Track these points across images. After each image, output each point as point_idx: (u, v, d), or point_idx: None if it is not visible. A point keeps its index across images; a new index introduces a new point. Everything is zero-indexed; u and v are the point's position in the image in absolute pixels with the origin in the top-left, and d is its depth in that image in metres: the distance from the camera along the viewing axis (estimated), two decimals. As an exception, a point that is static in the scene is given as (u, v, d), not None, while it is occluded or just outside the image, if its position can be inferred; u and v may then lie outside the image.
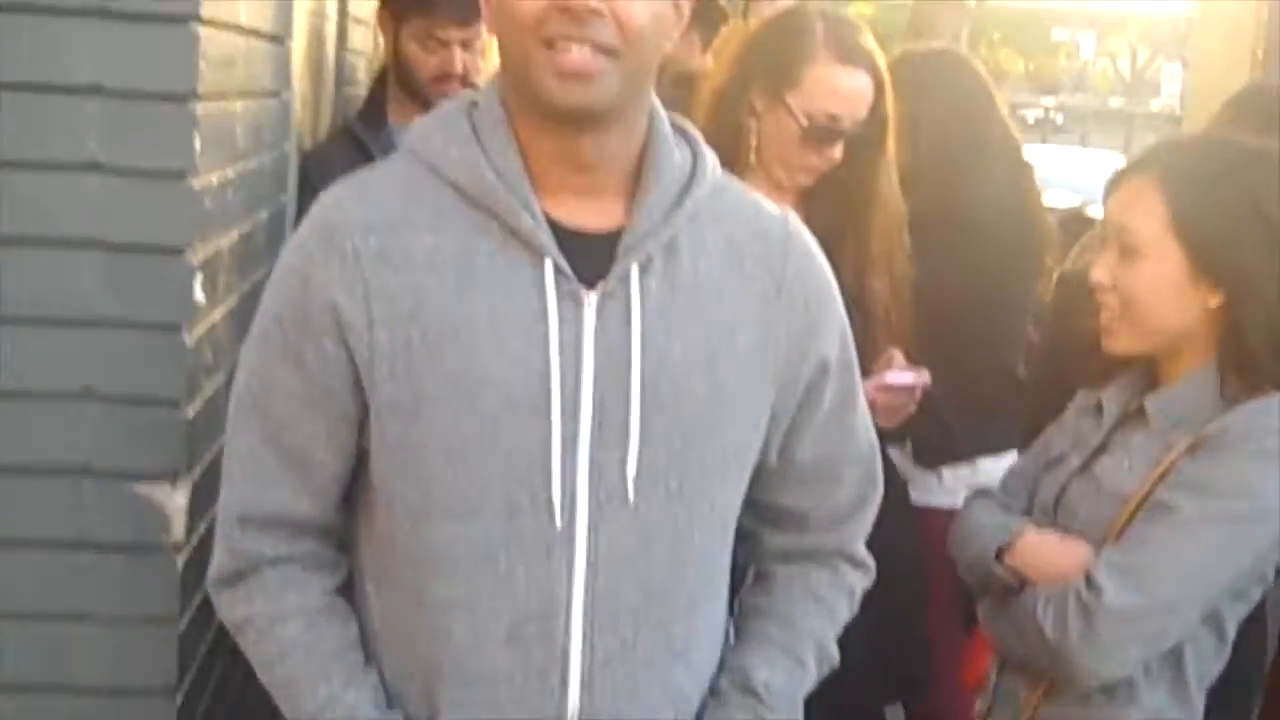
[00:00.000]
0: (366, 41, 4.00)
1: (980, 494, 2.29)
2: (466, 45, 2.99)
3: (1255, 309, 1.93)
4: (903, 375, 2.47)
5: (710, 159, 1.63)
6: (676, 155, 1.59)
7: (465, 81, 2.98)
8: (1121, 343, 2.03)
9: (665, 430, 1.53)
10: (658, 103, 1.60)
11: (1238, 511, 1.89)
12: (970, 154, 3.40)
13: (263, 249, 2.43)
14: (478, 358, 1.49)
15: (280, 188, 2.62)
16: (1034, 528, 2.08)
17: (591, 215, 1.55)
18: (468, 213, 1.52)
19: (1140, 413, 2.03)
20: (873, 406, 2.42)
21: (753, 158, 2.60)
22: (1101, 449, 2.07)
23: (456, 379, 1.49)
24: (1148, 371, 2.08)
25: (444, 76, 2.99)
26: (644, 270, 1.54)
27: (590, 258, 1.52)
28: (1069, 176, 10.40)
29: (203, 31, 1.83)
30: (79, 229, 1.82)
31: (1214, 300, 1.96)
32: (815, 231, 2.61)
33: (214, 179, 1.94)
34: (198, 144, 1.83)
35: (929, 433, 2.96)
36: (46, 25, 1.78)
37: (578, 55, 1.45)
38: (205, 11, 1.84)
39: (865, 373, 2.51)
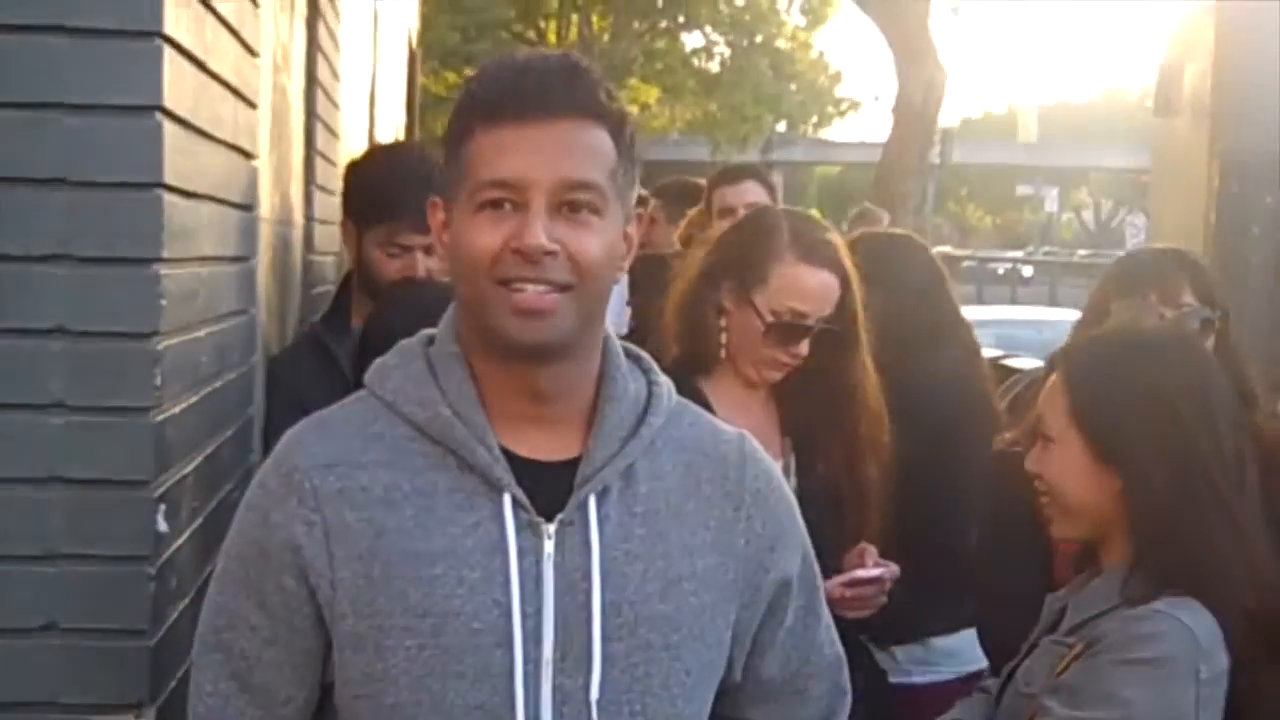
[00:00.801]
0: (333, 242, 4.09)
1: (979, 690, 2.34)
2: (429, 250, 3.05)
3: (1147, 499, 1.99)
4: (871, 570, 2.51)
5: (666, 386, 1.68)
6: (631, 385, 1.63)
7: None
8: (1058, 528, 2.10)
9: (627, 654, 1.56)
10: (611, 333, 1.65)
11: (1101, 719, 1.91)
12: (922, 336, 3.48)
13: (229, 466, 2.46)
14: (438, 591, 1.52)
15: (246, 401, 2.67)
16: None
17: (548, 445, 1.59)
18: (426, 448, 1.56)
19: (1063, 614, 2.08)
20: (841, 601, 2.46)
21: (723, 354, 2.67)
22: (1032, 648, 2.11)
23: (418, 613, 1.51)
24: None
25: (407, 282, 3.05)
26: (601, 499, 1.58)
27: (548, 488, 1.56)
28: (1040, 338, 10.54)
29: (164, 270, 1.88)
30: (41, 466, 1.85)
31: (1114, 486, 2.01)
32: (798, 427, 2.70)
33: (176, 409, 1.98)
34: (159, 380, 1.87)
35: (882, 612, 3.00)
36: (10, 270, 1.83)
37: (533, 294, 1.50)
38: (167, 250, 1.89)
39: (838, 566, 2.56)
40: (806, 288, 2.62)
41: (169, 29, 1.86)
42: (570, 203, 1.52)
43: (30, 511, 1.86)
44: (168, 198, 1.89)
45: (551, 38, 31.46)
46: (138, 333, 1.86)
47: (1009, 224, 65.84)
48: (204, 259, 2.17)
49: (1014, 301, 28.59)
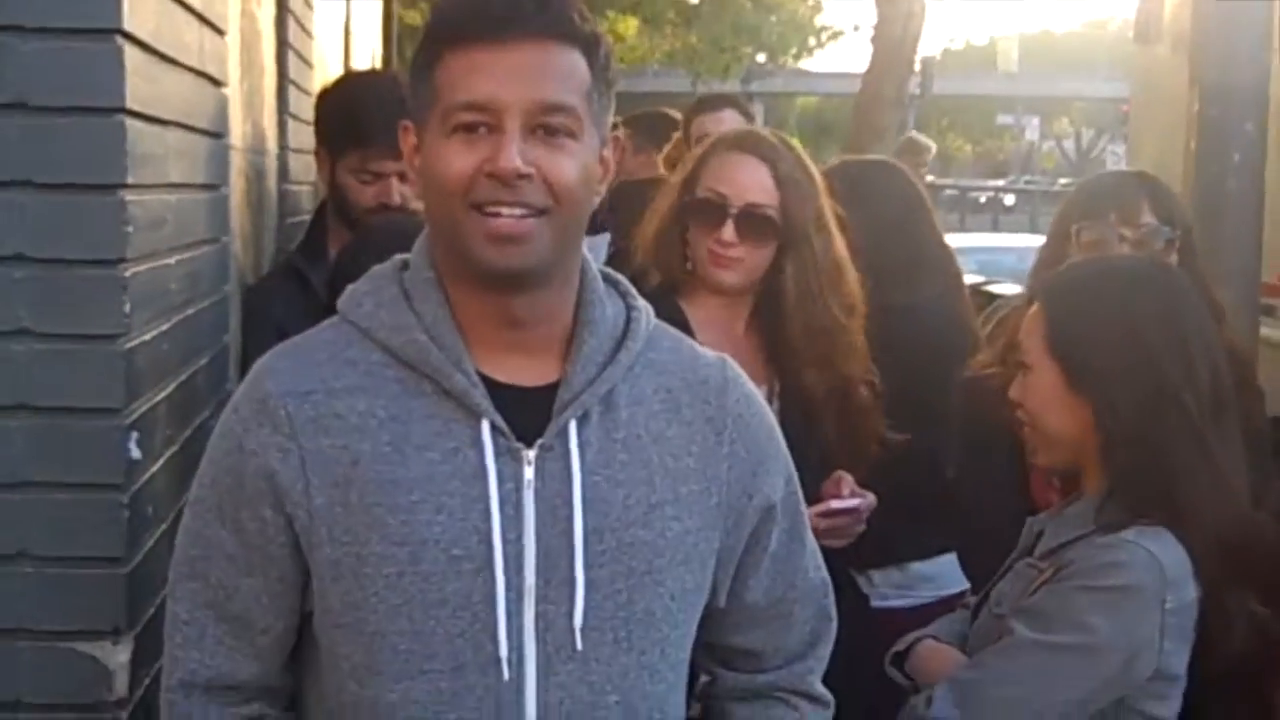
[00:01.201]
0: (309, 172, 4.05)
1: (962, 605, 2.37)
2: (403, 176, 3.03)
3: (1118, 427, 2.00)
4: (847, 500, 2.50)
5: (644, 310, 1.66)
6: (609, 309, 1.62)
7: (404, 211, 3.02)
8: (1039, 455, 2.11)
9: (610, 580, 1.55)
10: (589, 257, 1.63)
11: (1064, 643, 1.94)
12: (902, 264, 3.47)
13: (204, 393, 2.45)
14: (417, 518, 1.51)
15: (221, 329, 2.65)
16: (932, 640, 2.18)
17: (527, 371, 1.58)
18: (402, 375, 1.55)
19: (1039, 538, 2.10)
20: (817, 532, 2.46)
21: (688, 266, 2.66)
22: (1007, 571, 2.13)
23: (397, 540, 1.51)
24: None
25: (382, 208, 3.02)
26: (582, 424, 1.57)
27: (527, 414, 1.55)
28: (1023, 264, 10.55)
29: (129, 196, 1.86)
30: (6, 394, 1.83)
31: (1086, 414, 2.02)
32: (779, 350, 2.68)
33: (147, 336, 1.97)
34: (127, 307, 1.86)
35: (860, 539, 3.01)
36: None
37: (508, 218, 1.49)
38: (132, 176, 1.87)
39: (816, 494, 2.56)
40: (726, 171, 2.62)
41: (128, -52, 1.83)
42: (545, 125, 1.50)
43: (-3, 436, 1.84)
44: (130, 123, 1.86)
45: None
46: (104, 259, 1.84)
47: (989, 153, 65.70)
48: (172, 185, 2.14)
49: (996, 230, 28.64)
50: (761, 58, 33.58)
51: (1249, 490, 2.05)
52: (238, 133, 2.92)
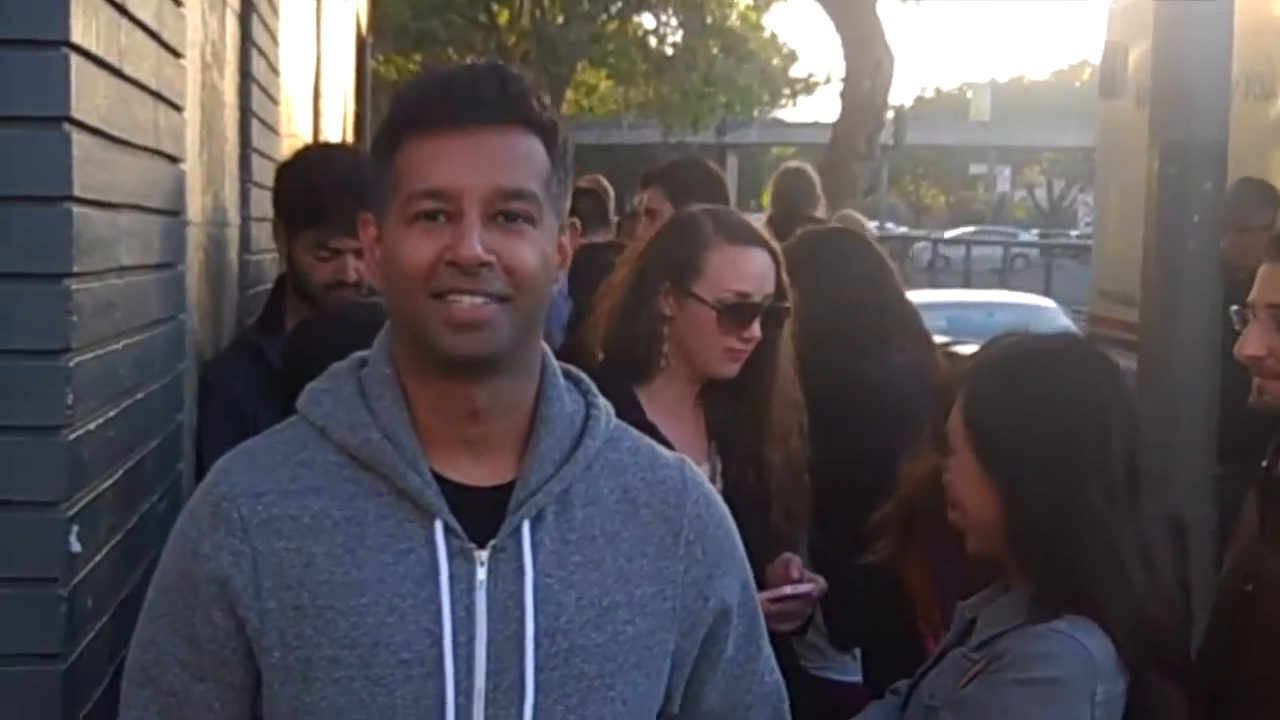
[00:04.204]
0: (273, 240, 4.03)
1: (891, 692, 2.32)
2: (359, 253, 3.01)
3: (1023, 514, 1.98)
4: (799, 586, 2.49)
5: (605, 408, 1.65)
6: (569, 405, 1.61)
7: (359, 288, 3.01)
8: (970, 544, 2.09)
9: (561, 684, 1.54)
10: (549, 353, 1.63)
11: None
12: (869, 331, 3.47)
13: (153, 476, 2.41)
14: (368, 620, 1.50)
15: (174, 408, 2.62)
16: None
17: (482, 470, 1.57)
18: (357, 474, 1.54)
19: (973, 625, 2.08)
20: (767, 616, 2.45)
21: (663, 362, 2.66)
22: (939, 658, 2.11)
23: (347, 643, 1.50)
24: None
25: (338, 285, 3.01)
26: (536, 524, 1.56)
27: (481, 514, 1.54)
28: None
29: (75, 284, 1.84)
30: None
31: (999, 495, 2.01)
32: (722, 430, 2.68)
33: (92, 425, 1.94)
34: (70, 398, 1.83)
35: (842, 616, 2.98)
36: (-85, 287, 1.79)
37: (469, 306, 1.48)
38: (79, 265, 1.85)
39: (762, 574, 2.54)
40: (745, 268, 2.63)
41: (76, 37, 1.81)
42: (505, 212, 1.50)
43: (-61, 534, 1.81)
44: (78, 210, 1.84)
45: (503, 20, 31.29)
46: (48, 349, 1.81)
47: (962, 203, 66.15)
48: (122, 269, 2.12)
49: (966, 278, 28.76)
50: (735, 109, 33.81)
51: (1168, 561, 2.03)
52: (196, 207, 2.90)
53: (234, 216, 3.55)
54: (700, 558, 1.64)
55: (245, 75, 3.65)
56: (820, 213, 6.09)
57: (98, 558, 1.99)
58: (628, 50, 30.91)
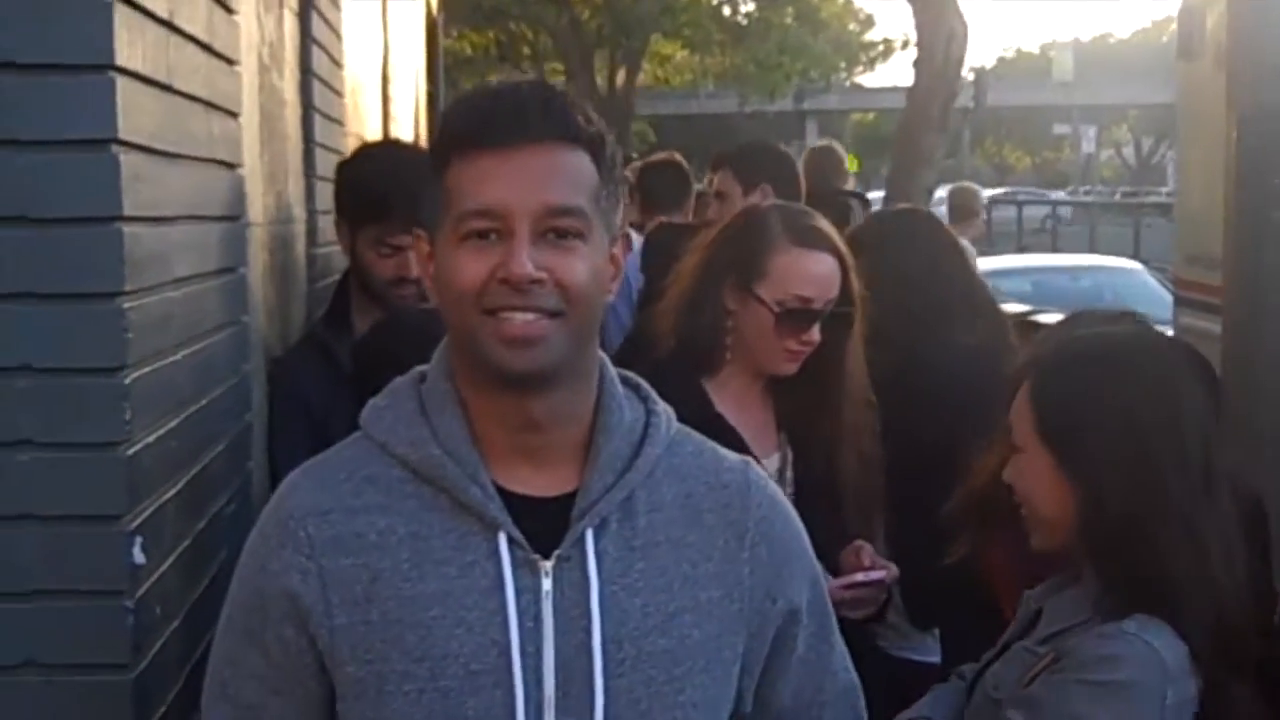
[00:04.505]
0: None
1: (956, 675, 2.30)
2: (422, 249, 3.03)
3: (1100, 514, 1.95)
4: (870, 574, 2.48)
5: (665, 414, 1.67)
6: (628, 413, 1.63)
7: (421, 284, 3.03)
8: (1036, 540, 2.06)
9: (630, 690, 1.55)
10: (607, 361, 1.65)
11: None
12: (937, 310, 3.43)
13: (221, 479, 2.45)
14: (436, 634, 1.52)
15: (241, 409, 2.65)
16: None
17: (544, 480, 1.59)
18: (420, 489, 1.56)
19: (1039, 616, 2.05)
20: (840, 603, 2.45)
21: (727, 355, 2.66)
22: (1002, 651, 2.08)
23: (417, 656, 1.52)
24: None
25: (400, 280, 3.03)
26: (599, 533, 1.57)
27: (544, 524, 1.56)
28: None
29: (128, 302, 1.87)
30: (12, 504, 1.84)
31: (1077, 494, 1.98)
32: (793, 420, 2.68)
33: (151, 438, 1.97)
34: (128, 414, 1.86)
35: (920, 599, 2.97)
36: (-28, 308, 1.82)
37: (521, 322, 1.50)
38: (130, 283, 1.88)
39: (835, 561, 2.54)
40: (808, 272, 2.62)
41: (122, 60, 1.83)
42: (555, 229, 1.52)
43: (4, 549, 1.85)
44: (129, 229, 1.86)
45: (576, -5, 31.26)
46: (104, 367, 1.84)
47: (1047, 163, 65.20)
48: (179, 280, 2.15)
49: (1054, 243, 28.31)
50: (810, 77, 33.52)
51: (1245, 560, 1.99)
52: (257, 208, 2.93)
53: (299, 212, 3.58)
54: (766, 559, 1.65)
55: (306, 72, 3.67)
56: (849, 186, 6.60)
57: (163, 567, 2.03)
58: (700, 22, 30.74)
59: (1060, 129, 52.93)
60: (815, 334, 2.60)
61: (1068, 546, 2.03)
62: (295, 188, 3.52)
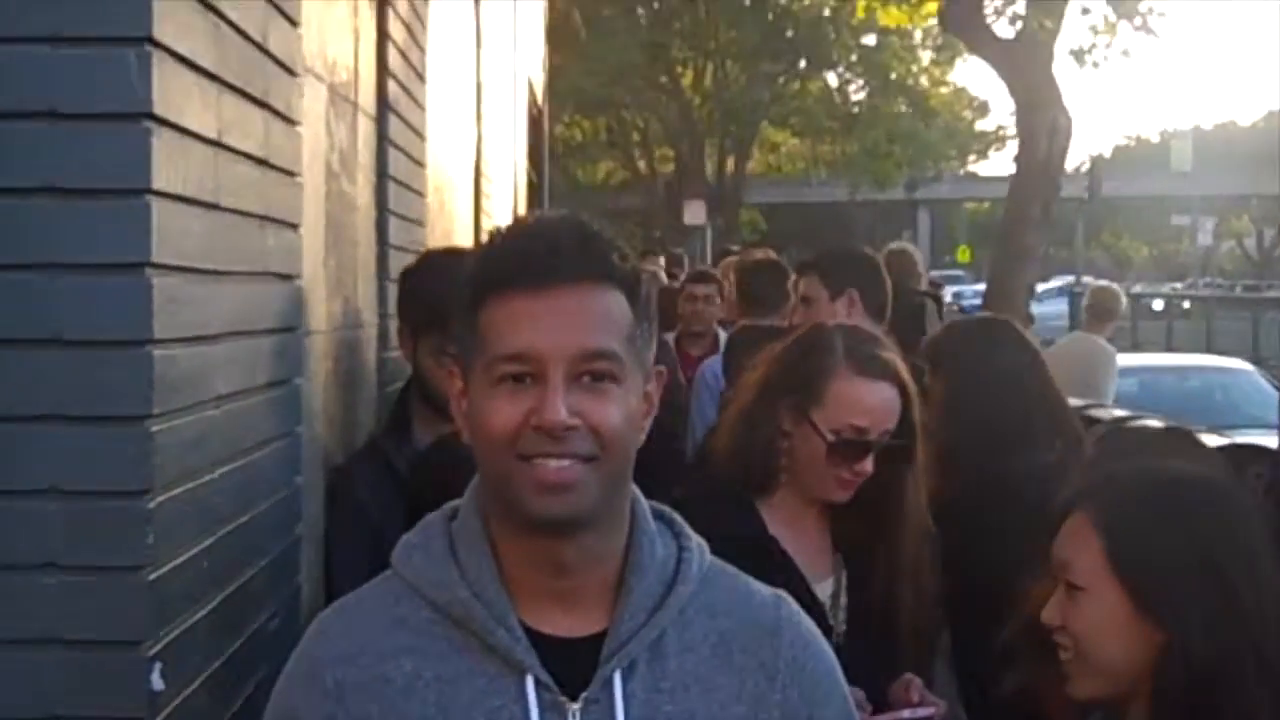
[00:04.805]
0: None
1: None
2: (484, 358, 3.02)
3: (1186, 658, 1.85)
4: (917, 710, 2.40)
5: (697, 549, 1.65)
6: (660, 550, 1.61)
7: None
8: (1081, 686, 1.96)
9: None
10: (640, 498, 1.63)
11: None
12: (1014, 429, 3.34)
13: (263, 595, 2.42)
14: None
15: (290, 523, 2.63)
16: None
17: (573, 621, 1.58)
18: (449, 631, 1.56)
19: None
20: None
21: (782, 477, 2.60)
22: None
23: None
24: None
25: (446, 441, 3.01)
26: (628, 674, 1.56)
27: (573, 665, 1.55)
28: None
29: (156, 427, 1.86)
30: (37, 628, 1.83)
31: (1158, 638, 1.87)
32: (850, 543, 2.61)
33: (179, 560, 1.95)
34: (151, 538, 1.85)
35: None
36: (4, 430, 1.83)
37: (555, 468, 1.49)
38: (161, 405, 1.87)
39: (884, 693, 2.45)
40: (865, 403, 2.56)
41: (160, 183, 1.84)
42: (589, 372, 1.51)
43: (29, 672, 1.84)
44: (159, 352, 1.86)
45: (687, 80, 31.54)
46: (128, 490, 1.83)
47: (1167, 255, 64.14)
48: (220, 399, 2.15)
49: (1169, 338, 27.72)
50: (921, 167, 33.43)
51: None
52: (319, 316, 2.94)
53: (369, 317, 3.59)
54: (797, 700, 1.63)
55: (382, 176, 3.71)
56: (923, 286, 7.22)
57: (188, 690, 2.00)
58: (809, 110, 30.85)
59: (1179, 219, 52.06)
60: (868, 465, 2.53)
61: (1120, 695, 1.92)
62: (366, 292, 3.54)
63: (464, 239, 6.32)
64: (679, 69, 31.20)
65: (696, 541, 1.66)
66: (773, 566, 2.57)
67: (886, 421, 2.56)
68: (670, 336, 6.27)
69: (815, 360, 2.61)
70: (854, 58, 30.01)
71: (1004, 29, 13.29)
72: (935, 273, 49.47)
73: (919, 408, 2.63)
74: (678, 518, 1.67)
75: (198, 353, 2.03)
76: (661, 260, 11.29)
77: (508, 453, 1.50)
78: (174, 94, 1.90)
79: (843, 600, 2.62)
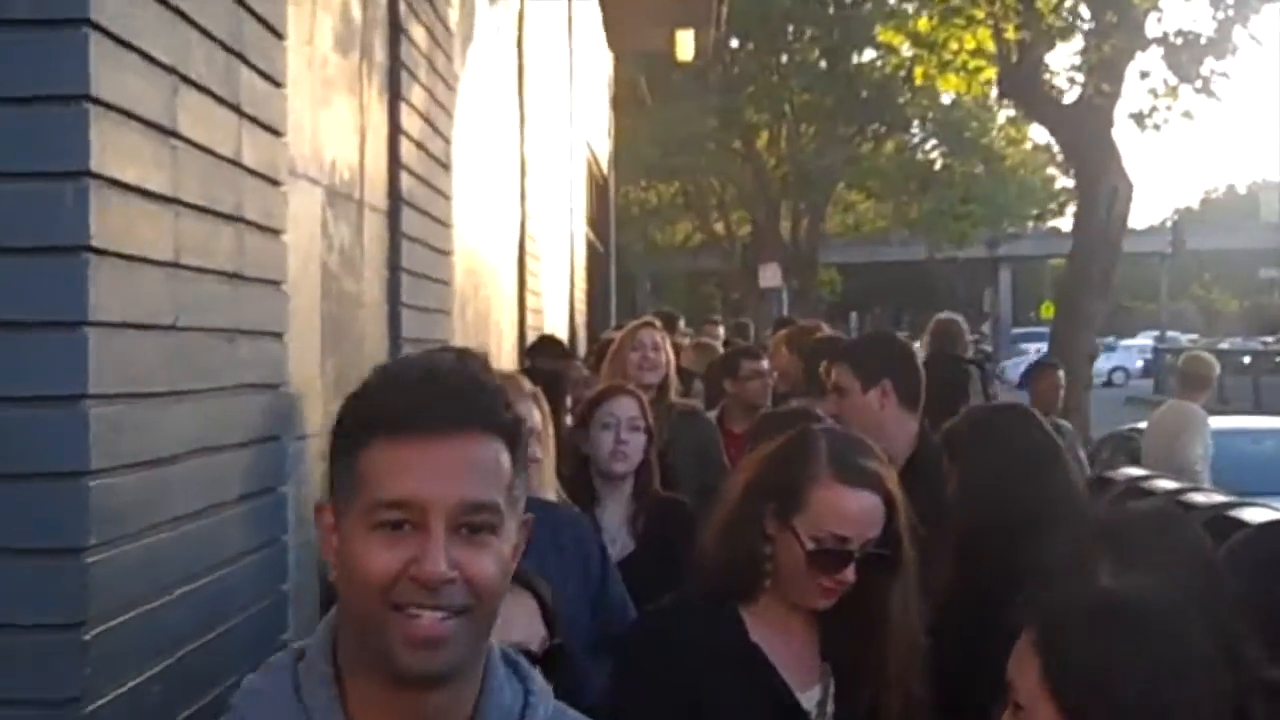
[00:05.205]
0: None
1: None
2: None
3: None
4: None
5: (540, 692, 1.63)
6: (507, 695, 1.59)
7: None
8: None
9: None
10: (494, 644, 1.60)
11: None
12: (1031, 518, 3.27)
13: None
14: None
15: (276, 630, 2.61)
16: None
17: None
18: None
19: None
20: None
21: (767, 583, 2.56)
22: None
23: None
24: None
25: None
26: None
27: None
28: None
29: (92, 559, 1.85)
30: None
31: None
32: (837, 651, 2.55)
33: (121, 689, 1.94)
34: (88, 670, 1.83)
35: None
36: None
37: (429, 622, 1.47)
38: (97, 537, 1.86)
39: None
40: (847, 511, 2.50)
41: (100, 314, 1.84)
42: (469, 524, 1.48)
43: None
44: (96, 483, 1.85)
45: (761, 143, 31.58)
46: (62, 624, 1.82)
47: (1258, 308, 62.96)
48: (177, 519, 2.13)
49: (1256, 394, 27.13)
50: (999, 225, 33.13)
51: None
52: (315, 420, 2.94)
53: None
54: None
55: (395, 269, 3.72)
56: (969, 354, 7.89)
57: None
58: (884, 171, 30.74)
59: (1268, 272, 51.10)
60: (850, 574, 2.47)
61: None
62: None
63: (506, 317, 6.34)
64: (753, 133, 31.24)
65: (540, 686, 1.64)
66: (754, 675, 2.52)
67: (869, 530, 2.50)
68: (713, 414, 6.21)
69: (798, 466, 2.56)
70: (929, 116, 29.90)
71: (1062, 94, 13.16)
72: (1018, 329, 49.11)
73: (905, 517, 2.56)
74: (523, 662, 1.66)
75: (148, 477, 2.02)
76: (720, 330, 11.24)
77: (380, 600, 1.46)
78: (117, 223, 1.90)
79: (830, 709, 2.56)
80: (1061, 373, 8.74)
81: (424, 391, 1.50)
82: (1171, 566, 2.54)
